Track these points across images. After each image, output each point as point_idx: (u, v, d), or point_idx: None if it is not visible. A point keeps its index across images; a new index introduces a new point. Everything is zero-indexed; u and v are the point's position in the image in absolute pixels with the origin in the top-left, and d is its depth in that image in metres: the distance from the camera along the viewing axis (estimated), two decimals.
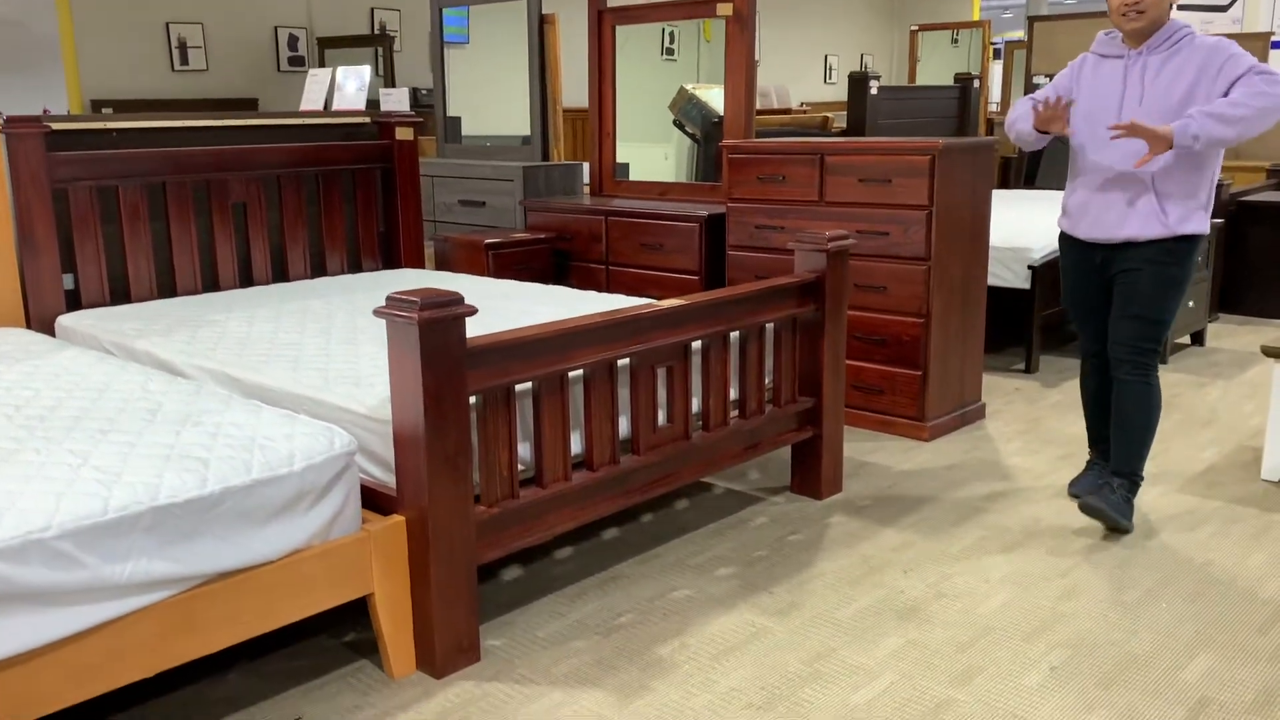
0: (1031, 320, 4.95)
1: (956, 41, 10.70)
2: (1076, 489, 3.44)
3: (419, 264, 4.73)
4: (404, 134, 4.60)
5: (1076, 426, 4.17)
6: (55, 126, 3.65)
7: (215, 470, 2.12)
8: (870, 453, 3.89)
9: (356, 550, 2.30)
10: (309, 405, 2.66)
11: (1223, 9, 10.24)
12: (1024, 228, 5.09)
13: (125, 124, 3.91)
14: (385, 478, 2.49)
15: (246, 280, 4.23)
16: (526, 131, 5.82)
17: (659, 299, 4.70)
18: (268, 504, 2.16)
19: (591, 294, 3.83)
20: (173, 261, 4.01)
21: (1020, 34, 12.50)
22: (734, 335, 3.12)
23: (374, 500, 2.47)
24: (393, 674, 2.40)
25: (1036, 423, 4.24)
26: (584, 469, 2.73)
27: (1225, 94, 2.90)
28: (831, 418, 3.40)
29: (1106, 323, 3.21)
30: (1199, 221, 3.02)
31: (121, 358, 3.28)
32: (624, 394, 2.84)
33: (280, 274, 4.34)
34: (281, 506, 2.18)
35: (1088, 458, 3.51)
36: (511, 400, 2.50)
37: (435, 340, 2.26)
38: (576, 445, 2.74)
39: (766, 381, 3.28)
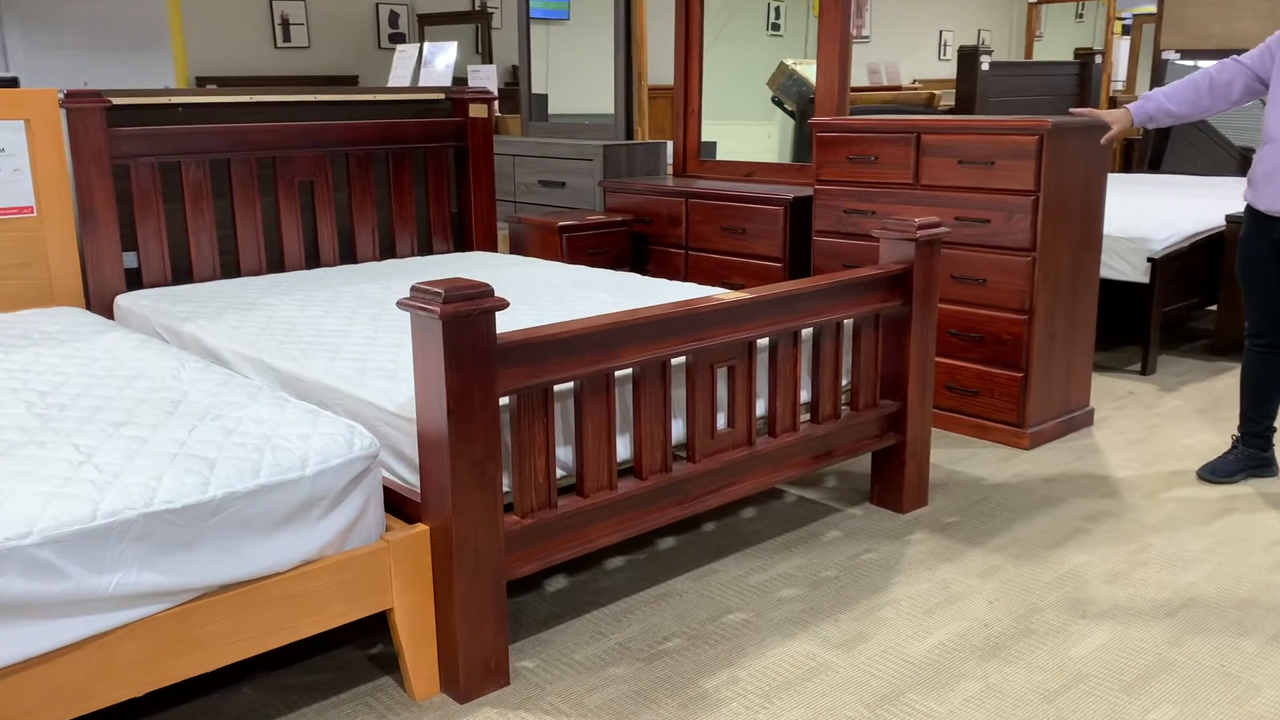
0: (1150, 317, 4.53)
1: (1081, 16, 10.06)
2: (1209, 471, 3.38)
3: (491, 246, 4.55)
4: (478, 111, 4.42)
5: (1195, 437, 3.77)
6: (116, 101, 3.56)
7: (220, 473, 1.96)
8: (962, 461, 3.57)
9: (374, 562, 2.12)
10: (341, 399, 2.49)
11: None
12: (1144, 215, 4.66)
13: (190, 99, 3.81)
14: (415, 481, 2.30)
15: (313, 261, 4.12)
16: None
17: (738, 287, 4.46)
18: (275, 511, 1.99)
19: (663, 283, 3.59)
20: (237, 241, 3.91)
21: (1150, 7, 11.73)
22: (807, 332, 2.84)
23: (402, 506, 2.29)
24: (414, 696, 2.21)
25: (1151, 431, 3.85)
26: (632, 477, 2.50)
27: None
28: (917, 424, 3.10)
29: (1278, 309, 3.14)
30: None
31: (169, 341, 3.18)
32: (680, 395, 2.60)
33: (348, 255, 4.21)
34: (290, 514, 2.01)
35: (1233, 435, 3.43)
36: (549, 401, 2.28)
37: (461, 336, 2.06)
38: (625, 451, 2.51)
39: (844, 383, 3.00)
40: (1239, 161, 7.46)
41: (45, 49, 8.97)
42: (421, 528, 2.18)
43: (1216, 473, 3.36)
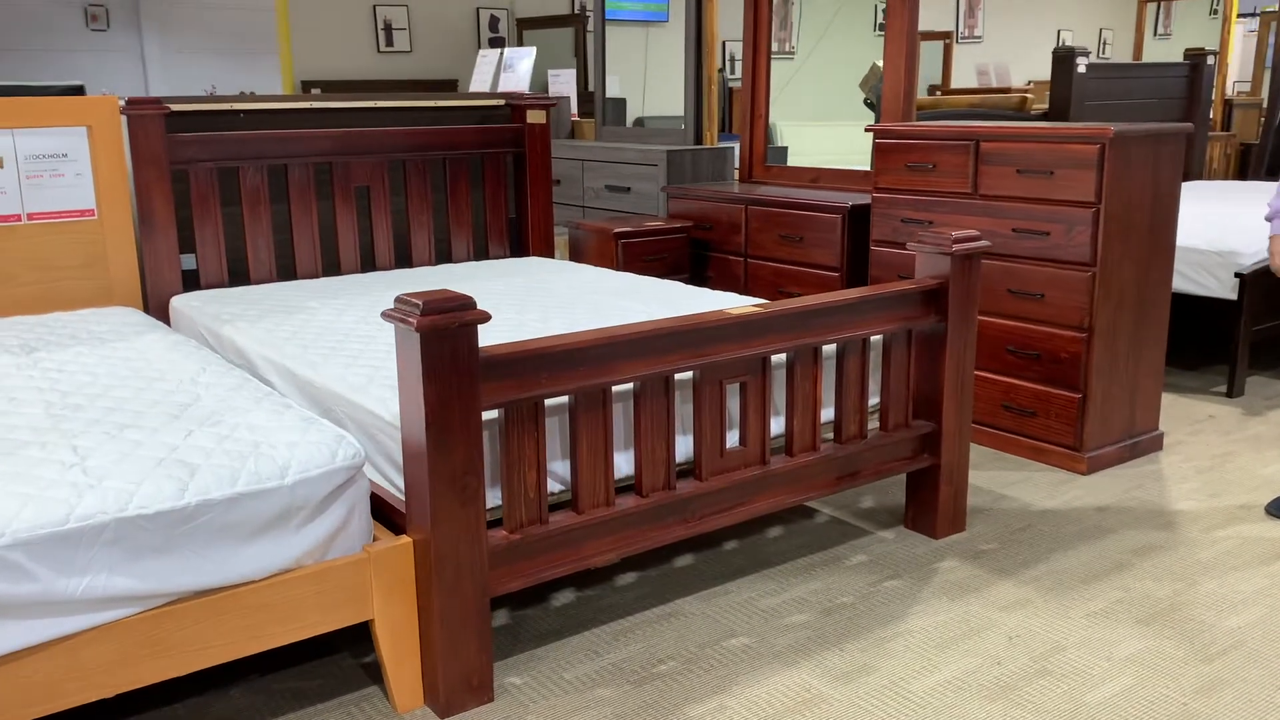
0: (1238, 336, 4.25)
1: (1215, 12, 9.54)
2: (1277, 508, 3.16)
3: (548, 252, 4.55)
4: (535, 118, 4.41)
5: (1272, 467, 3.52)
6: (176, 108, 3.67)
7: (199, 480, 1.98)
8: (1013, 484, 3.40)
9: (354, 572, 2.12)
10: (346, 406, 2.50)
11: None
12: (1235, 227, 4.37)
13: (250, 105, 3.91)
14: None
15: (368, 265, 4.17)
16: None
17: (797, 296, 4.34)
18: (252, 519, 2.00)
19: (707, 293, 3.52)
20: (293, 244, 3.99)
21: (1275, 5, 11.09)
22: (830, 348, 2.74)
23: (394, 517, 2.28)
24: (397, 708, 2.21)
25: (1225, 459, 3.61)
26: (633, 494, 2.45)
27: None
28: (953, 445, 2.96)
29: None
30: None
31: (209, 342, 3.26)
32: (688, 410, 2.53)
33: (404, 259, 4.26)
34: (268, 522, 2.02)
35: None
36: (539, 416, 2.24)
37: (439, 349, 2.04)
38: (628, 466, 2.46)
39: (872, 402, 2.88)
40: None
41: (175, 53, 9.39)
42: (406, 540, 2.17)
43: None
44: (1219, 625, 2.51)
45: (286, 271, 4.00)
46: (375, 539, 2.20)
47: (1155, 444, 3.71)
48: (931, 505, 3.01)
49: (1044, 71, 12.70)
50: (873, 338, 2.81)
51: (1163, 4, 10.32)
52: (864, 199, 4.21)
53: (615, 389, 2.38)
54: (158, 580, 1.91)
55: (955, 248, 2.82)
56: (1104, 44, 13.31)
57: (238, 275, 3.90)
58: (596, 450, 2.35)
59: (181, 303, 3.58)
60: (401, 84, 9.10)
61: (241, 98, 3.98)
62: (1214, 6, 9.66)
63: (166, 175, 3.64)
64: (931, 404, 2.94)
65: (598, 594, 2.70)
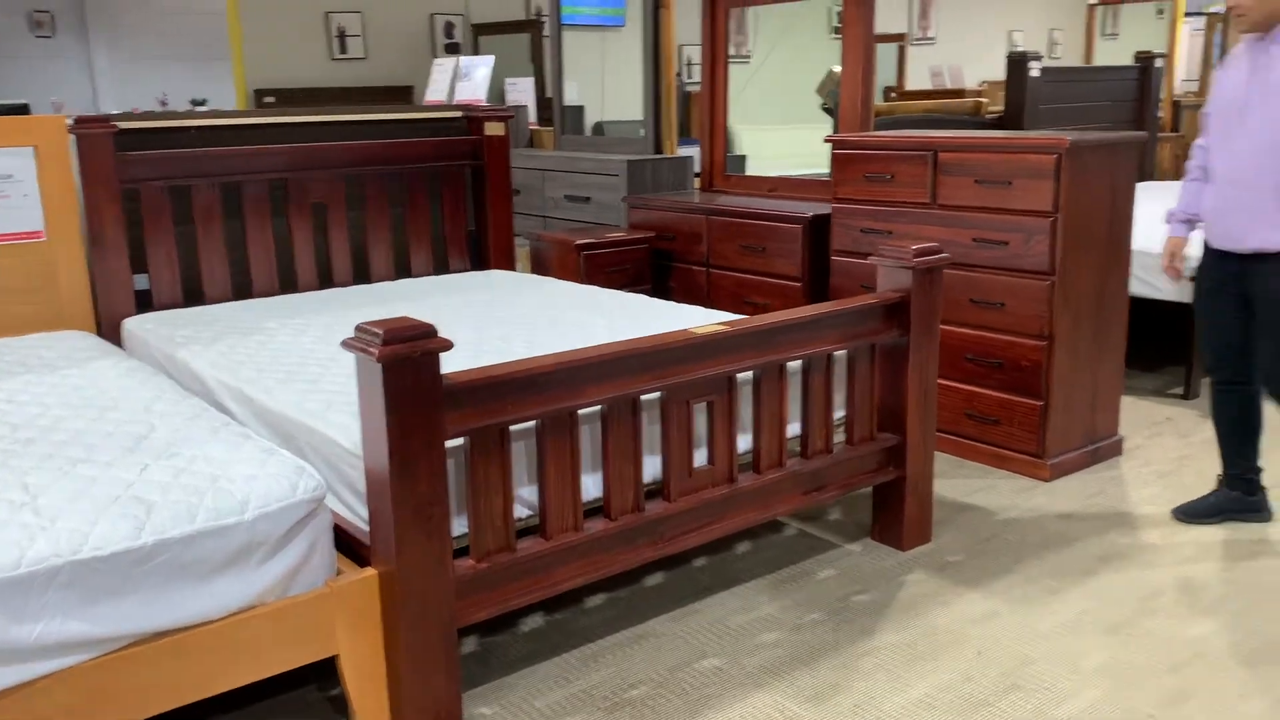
0: (1193, 338, 4.30)
1: (1162, 12, 9.68)
2: (1183, 513, 3.22)
3: (508, 265, 4.51)
4: (494, 129, 4.38)
5: None
6: (124, 125, 3.59)
7: (156, 518, 1.93)
8: (977, 492, 3.42)
9: (317, 608, 2.08)
10: (305, 434, 2.46)
11: None
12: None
13: (202, 121, 3.84)
14: None
15: (326, 281, 4.11)
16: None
17: (761, 307, 4.36)
18: (211, 557, 1.96)
19: (670, 307, 3.51)
20: (249, 262, 3.93)
21: (1219, 6, 11.26)
22: (795, 364, 2.74)
23: (360, 549, 2.24)
24: None
25: (1183, 463, 3.65)
26: (602, 517, 2.42)
27: None
28: (918, 457, 2.97)
29: (1233, 343, 3.02)
30: None
31: (165, 366, 3.19)
32: (656, 430, 2.51)
33: (362, 275, 4.21)
34: (228, 559, 1.98)
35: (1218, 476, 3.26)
36: (505, 443, 2.22)
37: (401, 378, 2.00)
38: (595, 489, 2.44)
39: (838, 415, 2.88)
40: None
41: (125, 61, 9.23)
42: (370, 572, 2.14)
43: (1192, 514, 3.17)
44: (1183, 634, 2.53)
45: (242, 290, 3.93)
46: (339, 572, 2.16)
47: (1115, 449, 3.75)
48: (898, 517, 3.01)
49: (996, 72, 12.80)
50: (836, 353, 2.81)
51: (1111, 5, 10.46)
52: (824, 209, 4.22)
53: (581, 411, 2.35)
54: (115, 624, 1.86)
55: (916, 261, 2.83)
56: (1054, 44, 13.47)
57: (192, 295, 3.82)
58: (564, 475, 2.32)
59: (135, 325, 3.51)
60: (356, 91, 9.00)
61: (193, 113, 3.91)
62: (1160, 8, 9.79)
63: (117, 194, 3.56)
64: (896, 416, 2.94)
65: (567, 617, 2.67)
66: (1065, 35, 13.60)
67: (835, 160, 4.00)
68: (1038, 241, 3.40)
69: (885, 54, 10.33)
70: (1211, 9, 11.48)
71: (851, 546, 3.05)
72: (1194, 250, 3.14)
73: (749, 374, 2.64)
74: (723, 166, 5.05)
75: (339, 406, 2.51)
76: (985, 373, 3.62)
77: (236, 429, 2.39)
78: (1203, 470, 3.58)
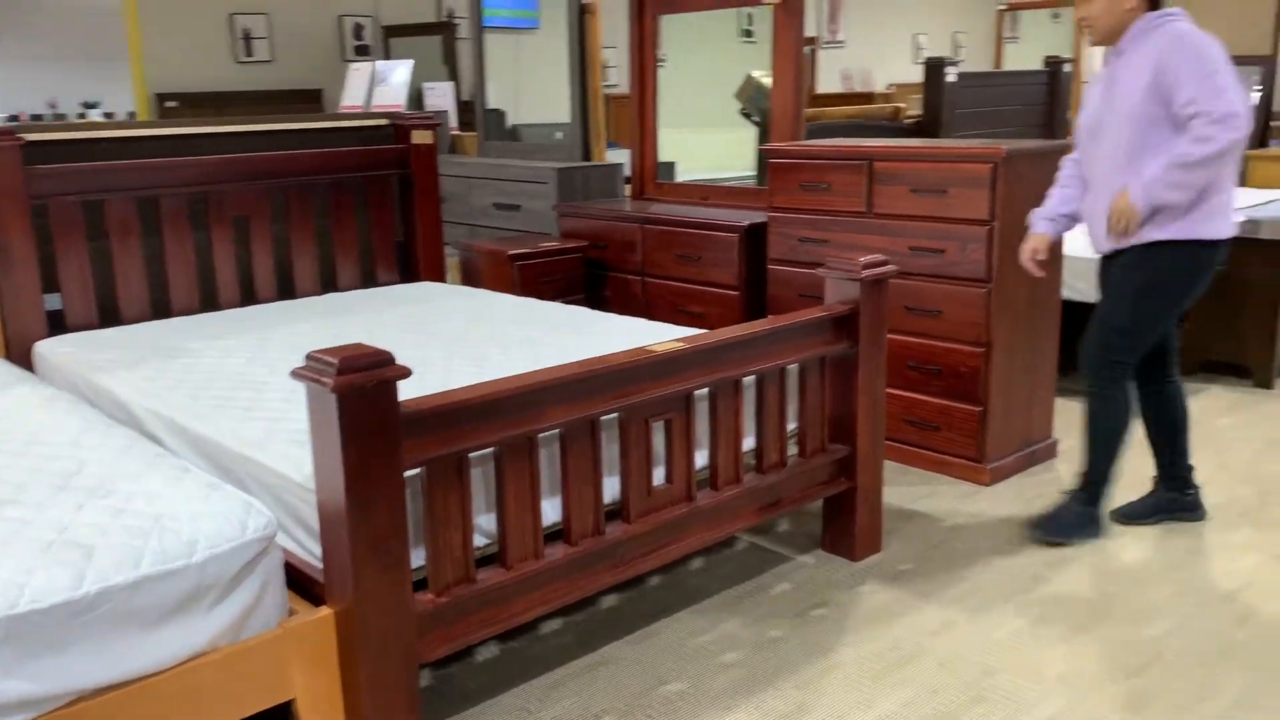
0: None
1: (1058, 17, 9.93)
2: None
3: (438, 276, 4.41)
4: (421, 138, 4.27)
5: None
6: (32, 137, 3.40)
7: (98, 563, 1.81)
8: (921, 499, 3.44)
9: (271, 652, 1.98)
10: (247, 465, 2.34)
11: None
12: None
13: (115, 133, 3.66)
14: None
15: (249, 298, 3.96)
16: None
17: (696, 316, 4.33)
18: (159, 603, 1.84)
19: (611, 319, 3.46)
20: (167, 279, 3.76)
21: None
22: (749, 379, 2.71)
23: (311, 587, 2.14)
24: None
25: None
26: (561, 542, 2.36)
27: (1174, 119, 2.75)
28: (868, 468, 2.97)
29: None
30: (1176, 229, 2.82)
31: (86, 393, 3.02)
32: (615, 449, 2.46)
33: (287, 290, 4.06)
34: (176, 605, 1.86)
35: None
36: (463, 471, 2.14)
37: (358, 409, 1.91)
38: (554, 514, 2.37)
39: (790, 428, 2.86)
40: None
41: (12, 61, 8.78)
42: (325, 611, 2.04)
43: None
44: (1138, 637, 2.58)
45: (161, 308, 3.76)
46: (292, 612, 2.06)
47: (1050, 451, 3.81)
48: (849, 528, 3.01)
49: (903, 75, 13.04)
50: (788, 368, 2.79)
51: (1012, 10, 10.72)
52: (759, 217, 4.21)
53: (539, 435, 2.29)
54: (55, 680, 1.74)
55: (865, 274, 2.83)
56: (958, 48, 13.76)
57: (108, 315, 3.64)
58: (523, 501, 2.25)
59: (48, 349, 3.32)
60: (264, 95, 8.74)
61: (105, 124, 3.72)
62: (1055, 13, 10.06)
63: (26, 210, 3.37)
64: (846, 427, 2.94)
65: (523, 645, 2.60)
66: (969, 39, 13.91)
67: (771, 169, 3.99)
68: (974, 249, 3.44)
69: None
70: None
71: (804, 558, 3.03)
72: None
73: (704, 390, 2.60)
74: (654, 173, 5.01)
75: (280, 435, 2.40)
76: (925, 380, 3.64)
77: (173, 462, 2.27)
78: (1134, 470, 3.66)
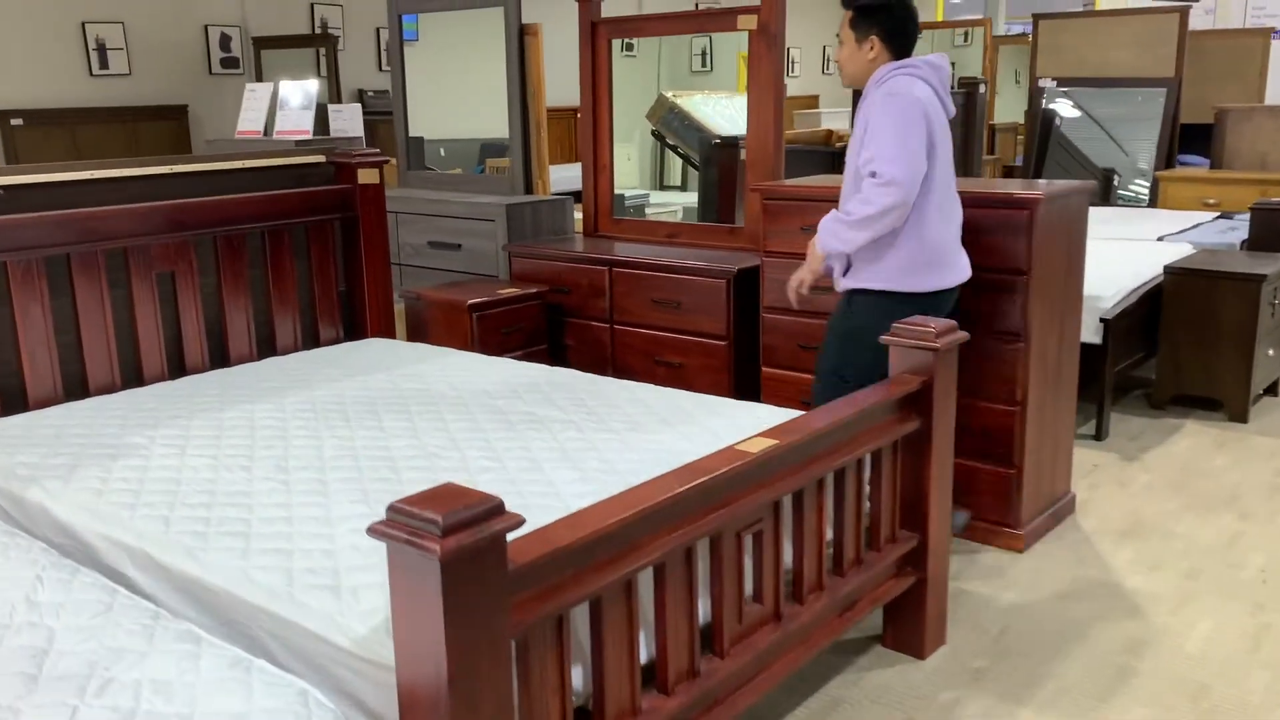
0: (1104, 379, 4.27)
1: (968, 39, 9.97)
2: None
3: (388, 331, 3.93)
4: (368, 177, 3.79)
5: (1184, 523, 3.50)
6: None
7: None
8: (961, 572, 3.17)
9: None
10: (266, 621, 1.87)
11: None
12: (1094, 273, 4.39)
13: (12, 180, 3.07)
14: None
15: (177, 367, 3.41)
16: (484, 135, 5.19)
17: (676, 366, 3.99)
18: None
19: (619, 384, 3.10)
20: (81, 350, 3.18)
21: (1017, 32, 11.84)
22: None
23: None
24: None
25: (1138, 519, 3.55)
26: (655, 690, 1.97)
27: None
28: (939, 556, 2.68)
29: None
30: (872, 278, 2.92)
31: (9, 511, 2.45)
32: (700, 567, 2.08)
33: (219, 355, 3.52)
34: None
35: None
36: (563, 632, 1.73)
37: (466, 575, 1.49)
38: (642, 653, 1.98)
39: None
40: (1101, 183, 7.46)
41: None
42: None
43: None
44: None
45: (75, 384, 3.18)
46: None
47: (1069, 506, 3.61)
48: (917, 623, 2.71)
49: (798, 86, 12.92)
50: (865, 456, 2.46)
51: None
52: (747, 261, 3.89)
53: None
54: None
55: (940, 342, 2.53)
56: (827, 61, 13.79)
57: (12, 399, 3.04)
58: (621, 653, 1.86)
59: None
60: (122, 111, 7.96)
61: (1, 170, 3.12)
62: (966, 34, 10.09)
63: None
64: (915, 513, 2.64)
65: None
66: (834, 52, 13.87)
67: (766, 211, 3.67)
68: (1007, 301, 3.20)
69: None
70: (1008, 34, 12.03)
71: (861, 660, 2.72)
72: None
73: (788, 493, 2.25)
74: (609, 209, 4.63)
75: (302, 576, 1.94)
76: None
77: (172, 625, 1.79)
78: (1160, 526, 3.49)
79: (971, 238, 3.20)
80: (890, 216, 2.79)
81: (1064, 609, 2.96)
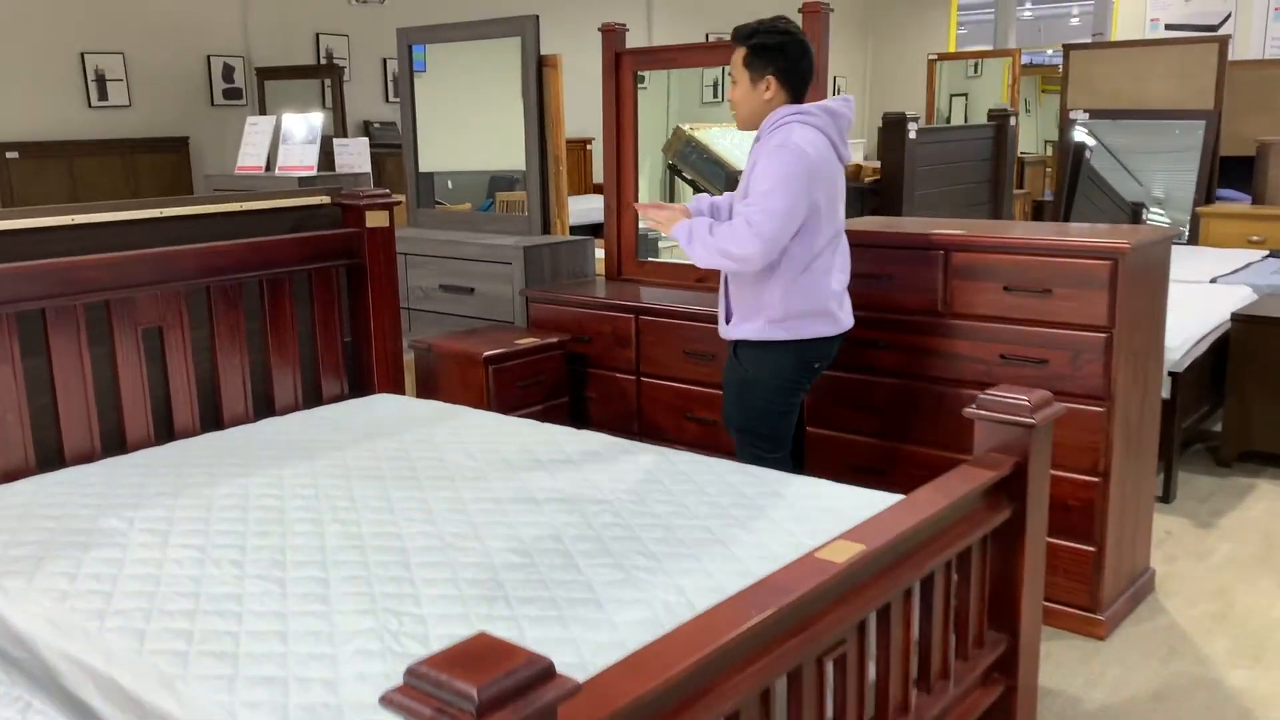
0: (1173, 436, 3.93)
1: (979, 70, 9.72)
2: None
3: (396, 386, 3.60)
4: (376, 220, 3.47)
5: (1277, 604, 3.16)
6: None
7: None
8: (1041, 668, 2.82)
9: None
10: None
11: (1212, 29, 9.48)
12: None
13: None
14: None
15: (165, 431, 3.08)
16: (494, 167, 5.03)
17: (708, 424, 3.66)
18: None
19: (655, 451, 2.76)
20: (57, 414, 2.86)
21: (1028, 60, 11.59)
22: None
23: None
24: None
25: (1227, 599, 3.21)
26: None
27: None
28: (1029, 659, 2.34)
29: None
30: (750, 331, 2.91)
31: None
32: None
33: (211, 416, 3.19)
34: None
35: None
36: None
37: None
38: None
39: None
40: (1129, 216, 7.17)
41: None
42: None
43: None
44: None
45: (49, 453, 2.85)
46: None
47: (1149, 585, 3.27)
48: None
49: None
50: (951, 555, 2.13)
51: (931, 64, 10.49)
52: None
53: None
54: None
55: (1036, 417, 2.20)
56: (838, 89, 13.54)
57: None
58: None
59: None
60: (120, 144, 7.68)
61: None
62: (979, 65, 9.85)
63: None
64: (1005, 613, 2.30)
65: None
66: (847, 84, 13.69)
67: None
68: (1088, 361, 2.87)
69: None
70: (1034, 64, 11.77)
71: None
72: None
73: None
74: (634, 251, 4.32)
75: (300, 716, 1.60)
76: None
77: None
78: (1253, 608, 3.15)
79: (1048, 290, 2.88)
80: (739, 264, 2.81)
81: (1163, 713, 2.61)
